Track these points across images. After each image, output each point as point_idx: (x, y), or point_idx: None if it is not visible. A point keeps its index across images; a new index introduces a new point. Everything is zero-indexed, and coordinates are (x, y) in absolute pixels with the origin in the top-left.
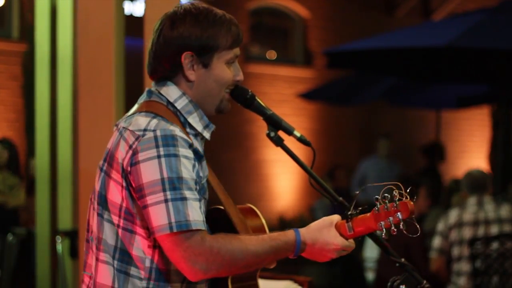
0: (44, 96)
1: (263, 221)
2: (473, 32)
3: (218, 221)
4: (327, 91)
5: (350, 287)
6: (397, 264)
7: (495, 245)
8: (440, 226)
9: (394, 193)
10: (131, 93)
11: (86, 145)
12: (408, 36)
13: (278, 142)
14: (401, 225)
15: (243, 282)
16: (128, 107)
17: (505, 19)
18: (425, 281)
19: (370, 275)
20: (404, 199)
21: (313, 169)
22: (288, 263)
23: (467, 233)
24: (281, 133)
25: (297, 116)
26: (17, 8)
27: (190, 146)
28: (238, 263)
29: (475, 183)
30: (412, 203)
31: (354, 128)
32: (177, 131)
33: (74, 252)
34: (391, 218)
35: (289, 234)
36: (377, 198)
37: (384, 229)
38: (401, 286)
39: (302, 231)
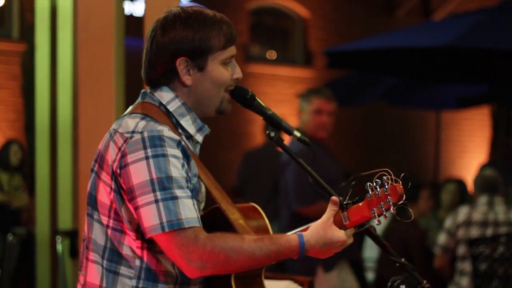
0: (44, 96)
1: (266, 219)
2: (473, 32)
3: (215, 222)
4: None
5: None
6: (397, 264)
7: (497, 247)
8: (448, 222)
9: (384, 177)
10: (131, 93)
11: (86, 145)
12: (408, 36)
13: (278, 142)
14: (391, 210)
15: (247, 280)
16: (128, 107)
17: (505, 19)
18: (425, 281)
19: (370, 275)
20: (394, 183)
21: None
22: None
23: (475, 232)
24: (281, 133)
25: (297, 116)
26: (17, 8)
27: (179, 144)
28: (232, 263)
29: (486, 183)
30: (401, 186)
31: (354, 128)
32: (165, 131)
33: (74, 252)
34: (382, 204)
35: (292, 239)
36: (369, 184)
37: (376, 216)
38: (401, 286)
39: (307, 235)
